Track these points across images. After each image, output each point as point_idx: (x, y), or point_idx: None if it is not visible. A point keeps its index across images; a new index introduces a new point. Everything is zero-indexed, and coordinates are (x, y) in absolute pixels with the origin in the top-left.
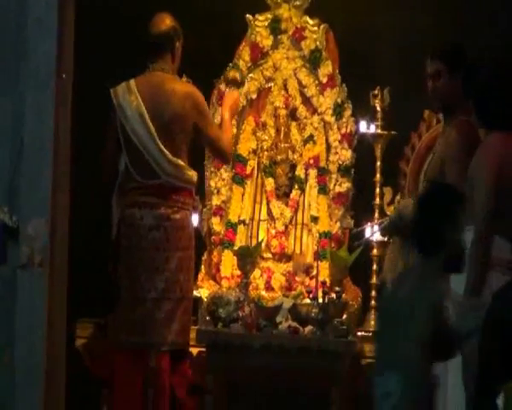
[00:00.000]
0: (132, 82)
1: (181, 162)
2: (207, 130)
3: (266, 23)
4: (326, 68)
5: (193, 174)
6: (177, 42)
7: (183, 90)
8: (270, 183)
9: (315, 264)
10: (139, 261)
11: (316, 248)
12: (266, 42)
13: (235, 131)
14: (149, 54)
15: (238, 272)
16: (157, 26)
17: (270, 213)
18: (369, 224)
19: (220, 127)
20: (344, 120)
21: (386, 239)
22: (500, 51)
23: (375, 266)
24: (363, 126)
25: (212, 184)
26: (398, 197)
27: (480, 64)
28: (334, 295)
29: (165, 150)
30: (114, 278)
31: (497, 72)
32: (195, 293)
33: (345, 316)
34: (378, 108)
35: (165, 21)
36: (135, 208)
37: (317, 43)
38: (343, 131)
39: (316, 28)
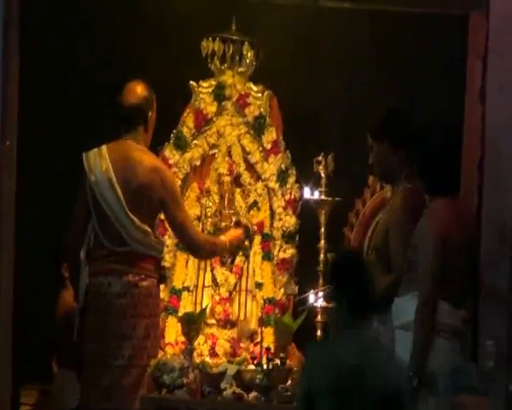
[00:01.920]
0: (104, 148)
1: (148, 229)
2: (173, 210)
3: (210, 89)
4: (270, 135)
5: (160, 242)
6: (149, 112)
7: (152, 164)
8: None
9: (259, 330)
10: (107, 328)
11: (260, 314)
12: (210, 108)
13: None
14: (122, 123)
15: (182, 339)
16: (128, 98)
17: (214, 279)
18: (313, 290)
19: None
20: (288, 186)
21: (330, 305)
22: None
23: (319, 332)
24: (307, 193)
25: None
26: None
27: (422, 131)
28: (278, 362)
29: (132, 217)
30: (79, 344)
31: (441, 139)
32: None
33: (289, 382)
34: (322, 174)
35: (137, 93)
36: (102, 276)
37: (261, 109)
38: (287, 197)
39: (260, 94)
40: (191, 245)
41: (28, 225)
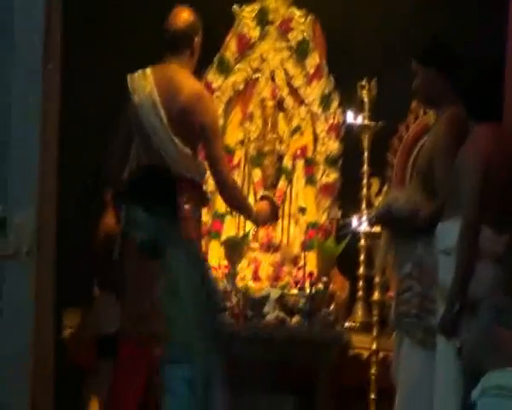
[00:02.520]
0: (148, 70)
1: (189, 151)
2: (212, 140)
3: (253, 14)
4: (313, 59)
5: (202, 166)
6: (195, 37)
7: (195, 89)
8: (257, 174)
9: (302, 254)
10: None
11: (303, 238)
12: (253, 33)
13: (222, 122)
14: (167, 47)
15: (225, 263)
16: (174, 22)
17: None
18: (356, 215)
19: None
20: (331, 110)
21: (373, 230)
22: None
23: (362, 257)
24: (350, 117)
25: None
26: (385, 188)
27: (465, 57)
28: (321, 286)
29: (175, 139)
30: (120, 269)
31: (484, 64)
32: None
33: (332, 307)
34: (365, 99)
35: (184, 17)
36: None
37: (304, 34)
38: (330, 122)
39: (303, 19)
40: (221, 180)
41: (72, 150)
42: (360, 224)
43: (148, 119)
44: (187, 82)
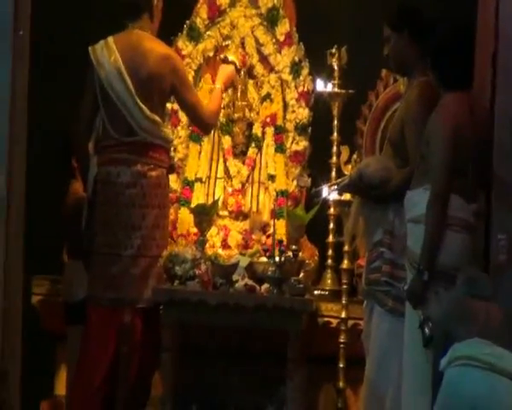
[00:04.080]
0: (110, 39)
1: (158, 119)
2: (185, 94)
3: None
4: (283, 27)
5: (169, 132)
6: (154, 1)
7: (162, 51)
8: (227, 141)
9: (271, 222)
10: (115, 218)
11: (272, 206)
12: (224, 0)
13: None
14: (127, 13)
15: (195, 230)
16: None
17: (226, 171)
18: (326, 183)
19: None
20: (301, 78)
21: (343, 198)
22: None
23: (332, 225)
24: (320, 85)
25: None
26: (354, 156)
27: (436, 23)
28: (290, 254)
29: (142, 106)
30: (88, 235)
31: (454, 31)
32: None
33: (301, 275)
34: (335, 67)
35: None
36: (111, 166)
37: (275, 1)
38: (300, 89)
39: None
40: (202, 125)
41: (40, 117)
42: (330, 192)
43: (115, 88)
44: (152, 46)
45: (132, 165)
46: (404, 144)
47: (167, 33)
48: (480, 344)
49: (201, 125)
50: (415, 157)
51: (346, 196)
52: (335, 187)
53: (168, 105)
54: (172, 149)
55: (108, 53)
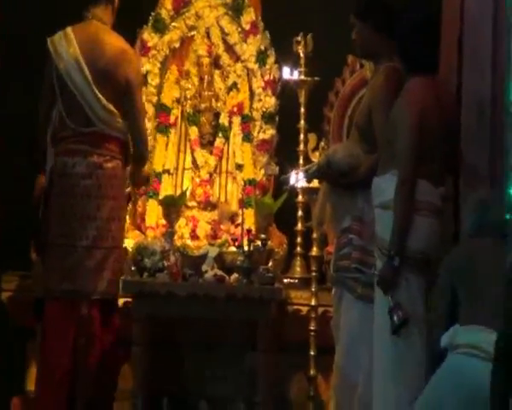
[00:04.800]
0: (69, 30)
1: (114, 110)
2: (135, 93)
3: None
4: (248, 15)
5: (124, 123)
6: None
7: (119, 45)
8: (194, 131)
9: (240, 212)
10: (71, 209)
11: (240, 195)
12: None
13: (157, 80)
14: (88, 3)
15: (163, 222)
16: None
17: (194, 161)
18: (294, 170)
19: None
20: (267, 66)
21: (311, 185)
22: None
23: (300, 213)
24: (286, 73)
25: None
26: (322, 143)
27: (401, 10)
28: (259, 243)
29: (99, 96)
30: (44, 226)
31: (420, 16)
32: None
33: (270, 263)
34: (301, 54)
35: None
36: (67, 157)
37: None
38: (266, 77)
39: None
40: (138, 135)
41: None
42: (298, 179)
43: (73, 79)
44: (110, 38)
45: (88, 156)
46: (371, 130)
47: (132, 25)
48: (482, 332)
49: (137, 134)
50: (382, 142)
51: (314, 184)
52: (303, 174)
53: None
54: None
55: (67, 43)
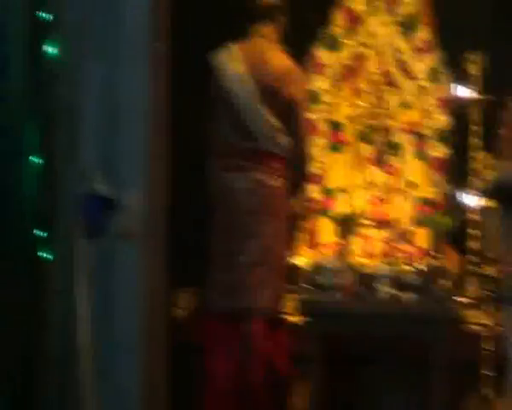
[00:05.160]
0: (234, 46)
1: (278, 125)
2: (299, 113)
3: None
4: (422, 33)
5: (288, 141)
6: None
7: (285, 63)
8: (366, 149)
9: (414, 230)
10: (234, 226)
11: (414, 214)
12: (360, 7)
13: (330, 98)
14: (252, 21)
15: (337, 240)
16: None
17: (367, 179)
18: (467, 189)
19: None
20: (440, 84)
21: (483, 204)
22: None
23: (473, 231)
24: (459, 91)
25: (312, 151)
26: (493, 162)
27: None
28: (433, 262)
29: (264, 112)
30: (208, 244)
31: None
32: (294, 261)
33: (444, 282)
34: (475, 73)
35: None
36: (230, 173)
37: (413, 7)
38: (439, 95)
39: None
40: (301, 154)
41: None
42: (471, 198)
43: (238, 94)
44: (275, 56)
45: (251, 172)
46: None
47: (302, 42)
48: None
49: (302, 155)
50: None
51: (487, 203)
52: (475, 193)
53: None
54: (312, 158)
55: (232, 60)
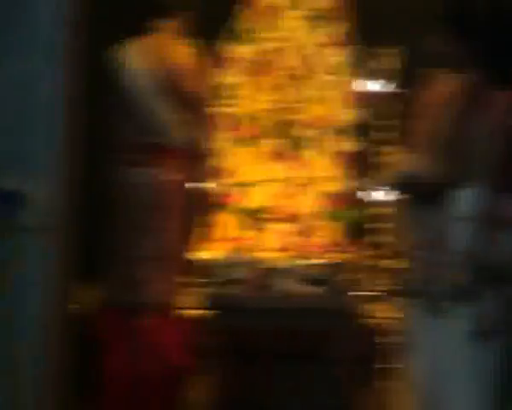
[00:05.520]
0: (135, 42)
1: (177, 121)
2: (201, 108)
3: None
4: (332, 27)
5: (188, 136)
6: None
7: (186, 58)
8: (273, 143)
9: (319, 224)
10: (132, 221)
11: (319, 208)
12: (271, 1)
13: (238, 93)
14: (152, 16)
15: (241, 234)
16: None
17: (273, 173)
18: (373, 182)
19: None
20: (351, 78)
21: (387, 197)
22: None
23: (376, 225)
24: (369, 85)
25: (217, 145)
26: (399, 155)
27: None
28: (336, 256)
29: (163, 107)
30: (109, 239)
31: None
32: (198, 255)
33: (347, 276)
34: (386, 67)
35: None
36: (129, 168)
37: (325, 1)
38: (350, 90)
39: None
40: (205, 150)
41: None
42: (377, 190)
43: (137, 90)
44: (175, 51)
45: (149, 167)
46: (454, 143)
47: (212, 36)
48: None
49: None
50: (461, 156)
51: (392, 196)
52: (380, 185)
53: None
54: (219, 152)
55: (131, 55)
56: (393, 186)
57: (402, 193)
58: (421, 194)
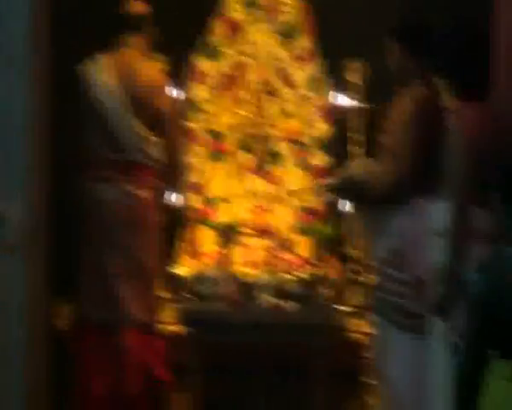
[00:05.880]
0: (101, 57)
1: (150, 137)
2: (169, 123)
3: None
4: (302, 42)
5: (159, 151)
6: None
7: (153, 74)
8: (247, 158)
9: (295, 239)
10: (103, 238)
11: (295, 222)
12: (240, 16)
13: (210, 107)
14: (119, 32)
15: (217, 249)
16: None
17: (248, 188)
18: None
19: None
20: (321, 93)
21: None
22: None
23: (351, 238)
24: (340, 99)
25: (189, 160)
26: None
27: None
28: (314, 270)
29: (133, 123)
30: (81, 255)
31: (468, 41)
32: (174, 271)
33: (326, 290)
34: (355, 82)
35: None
36: (99, 184)
37: (293, 15)
38: (320, 104)
39: (290, 1)
40: (176, 166)
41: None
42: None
43: (106, 106)
44: (143, 67)
45: (120, 184)
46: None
47: (180, 50)
48: None
49: (176, 166)
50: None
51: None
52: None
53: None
54: (193, 167)
55: (100, 71)
56: (335, 192)
57: (343, 198)
58: (364, 199)
